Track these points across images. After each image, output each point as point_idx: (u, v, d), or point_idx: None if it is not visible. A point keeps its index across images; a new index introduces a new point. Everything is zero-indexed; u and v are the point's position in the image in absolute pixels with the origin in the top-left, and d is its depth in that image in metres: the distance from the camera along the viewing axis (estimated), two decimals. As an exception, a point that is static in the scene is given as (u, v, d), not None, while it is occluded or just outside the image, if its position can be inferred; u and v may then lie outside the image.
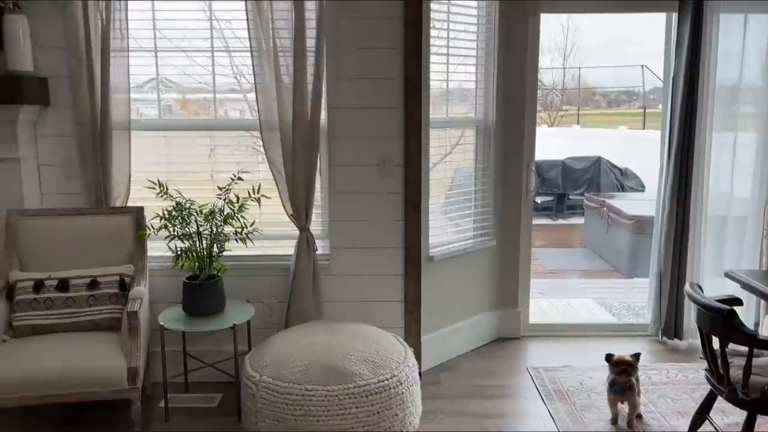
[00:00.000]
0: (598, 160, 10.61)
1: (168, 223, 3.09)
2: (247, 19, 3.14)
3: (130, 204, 3.32)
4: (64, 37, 3.19)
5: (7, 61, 3.06)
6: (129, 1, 3.15)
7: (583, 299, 5.15)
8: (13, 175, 3.18)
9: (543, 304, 4.88)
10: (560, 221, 10.39)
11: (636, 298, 5.08)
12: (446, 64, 3.61)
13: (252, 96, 3.27)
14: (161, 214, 3.09)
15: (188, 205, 3.11)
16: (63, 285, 2.96)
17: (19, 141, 3.16)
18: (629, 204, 7.80)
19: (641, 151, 10.28)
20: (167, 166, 3.45)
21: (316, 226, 3.42)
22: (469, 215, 3.89)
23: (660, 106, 4.20)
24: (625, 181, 10.56)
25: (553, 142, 12.28)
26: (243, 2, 3.13)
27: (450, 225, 3.84)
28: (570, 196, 10.50)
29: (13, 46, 3.05)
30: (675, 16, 3.73)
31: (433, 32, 3.37)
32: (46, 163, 3.33)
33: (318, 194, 3.39)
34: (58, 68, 3.23)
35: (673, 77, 3.75)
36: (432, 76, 3.41)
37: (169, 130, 3.46)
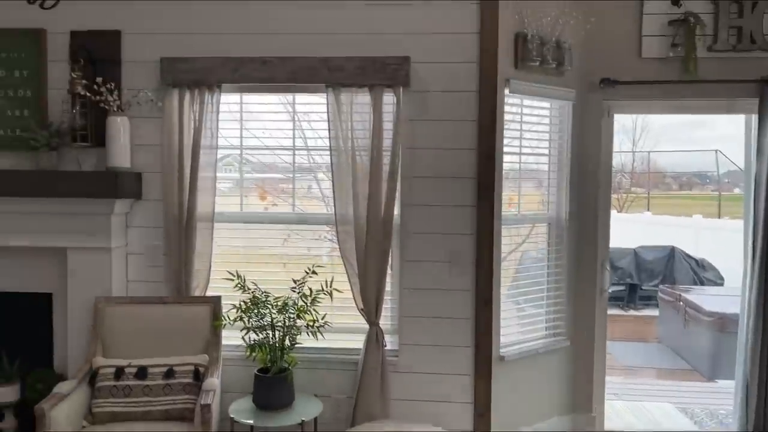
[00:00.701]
0: (672, 251, 10.24)
1: (244, 315, 3.17)
2: (328, 120, 3.30)
3: (208, 293, 3.44)
4: (159, 136, 3.44)
5: (108, 158, 3.32)
6: (221, 104, 3.38)
7: (661, 403, 4.86)
8: (104, 264, 3.37)
9: (618, 406, 4.63)
10: (632, 312, 9.98)
11: (719, 403, 4.76)
12: (519, 163, 3.66)
13: (326, 190, 3.40)
14: (238, 305, 3.18)
15: (264, 298, 3.19)
16: (141, 373, 3.06)
17: (112, 232, 3.36)
18: (708, 299, 7.42)
19: (719, 241, 9.84)
20: (245, 257, 3.58)
21: (385, 320, 3.43)
22: (540, 313, 3.81)
23: (736, 190, 4.06)
24: (702, 273, 10.10)
25: (623, 229, 11.97)
26: (323, 95, 3.31)
27: (521, 323, 3.76)
28: (642, 287, 10.11)
29: (114, 144, 3.31)
30: (755, 117, 3.67)
31: (506, 132, 3.44)
32: (133, 252, 3.52)
33: (388, 289, 3.41)
34: (152, 164, 3.46)
35: (755, 181, 3.64)
36: (504, 174, 3.45)
37: (248, 222, 3.60)
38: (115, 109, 3.29)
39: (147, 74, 3.42)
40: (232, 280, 3.26)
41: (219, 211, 3.46)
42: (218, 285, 3.45)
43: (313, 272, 3.26)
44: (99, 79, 3.27)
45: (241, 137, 3.55)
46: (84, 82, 3.29)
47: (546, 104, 3.76)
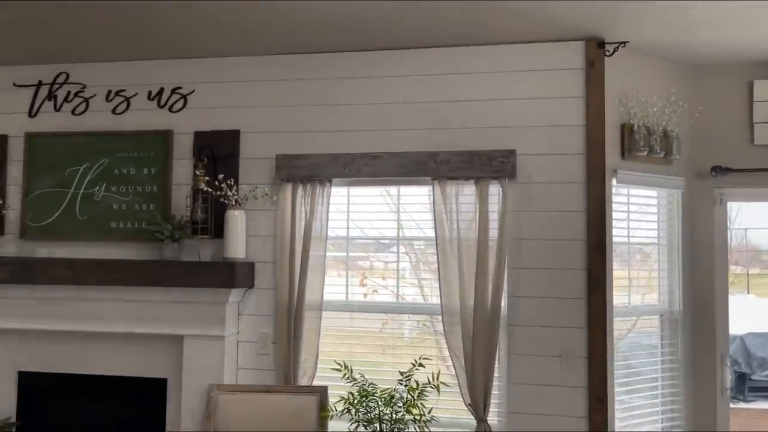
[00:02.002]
0: (785, 337, 9.48)
1: (351, 407, 3.17)
2: (434, 212, 3.36)
3: (314, 382, 3.47)
4: (271, 227, 3.60)
5: (226, 249, 3.50)
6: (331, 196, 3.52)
7: None
8: (218, 352, 3.49)
9: None
10: (741, 405, 9.20)
11: None
12: (627, 253, 3.57)
13: (425, 280, 3.43)
14: (346, 397, 3.19)
15: (372, 390, 3.18)
16: (252, 464, 3.08)
17: (226, 320, 3.49)
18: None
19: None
20: (350, 346, 3.62)
21: (493, 416, 3.33)
22: (655, 411, 3.59)
23: None
24: (821, 362, 9.25)
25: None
26: (428, 187, 3.40)
27: (635, 422, 3.54)
28: (753, 377, 9.35)
29: (231, 236, 3.49)
30: None
31: (613, 222, 3.39)
32: (244, 340, 3.63)
33: (496, 383, 3.33)
34: (264, 254, 3.62)
35: None
36: (614, 264, 3.36)
37: (354, 311, 3.65)
38: (234, 203, 3.50)
39: (262, 169, 3.63)
40: (340, 370, 3.28)
41: (326, 299, 3.54)
42: (323, 374, 3.48)
43: (420, 365, 3.23)
44: (220, 176, 3.50)
45: (348, 228, 3.67)
46: (207, 178, 3.52)
47: (653, 193, 3.69)
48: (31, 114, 3.93)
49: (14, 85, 3.94)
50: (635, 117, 3.40)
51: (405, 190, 3.62)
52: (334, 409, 3.23)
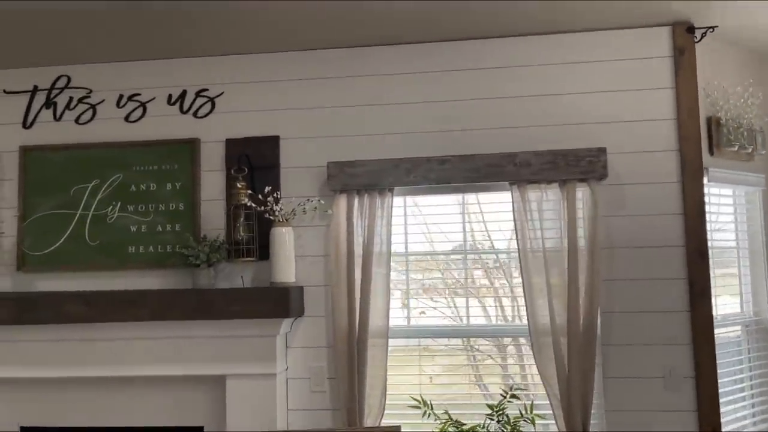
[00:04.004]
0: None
1: (438, 449, 2.74)
2: (514, 220, 2.98)
3: (383, 422, 3.01)
4: (320, 246, 3.15)
5: (273, 272, 3.02)
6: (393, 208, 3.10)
7: None
8: (268, 392, 3.00)
9: None
10: None
11: None
12: (711, 258, 3.26)
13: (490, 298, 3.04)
14: (432, 438, 2.76)
15: (461, 428, 2.76)
16: None
17: (277, 355, 3.01)
18: None
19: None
20: (419, 378, 3.18)
21: (592, 449, 2.95)
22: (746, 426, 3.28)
23: None
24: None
25: None
26: (501, 193, 3.03)
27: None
28: None
29: (279, 257, 3.02)
30: None
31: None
32: (294, 377, 3.14)
33: (593, 410, 2.95)
34: (313, 277, 3.16)
35: None
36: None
37: (420, 337, 3.22)
38: (281, 219, 3.03)
39: (307, 180, 3.19)
40: (419, 406, 2.84)
41: (392, 326, 3.10)
42: (390, 411, 3.04)
43: (513, 395, 2.83)
44: (267, 188, 3.03)
45: (406, 242, 3.25)
46: (249, 191, 3.04)
47: (729, 191, 3.41)
48: (26, 125, 3.36)
49: (4, 92, 3.38)
50: (722, 109, 3.12)
51: (470, 197, 3.23)
52: (411, 452, 2.79)
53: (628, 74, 3.03)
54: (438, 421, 2.82)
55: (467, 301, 3.23)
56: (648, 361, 2.94)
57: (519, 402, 2.86)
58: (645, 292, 2.96)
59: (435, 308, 3.32)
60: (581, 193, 2.95)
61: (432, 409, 2.85)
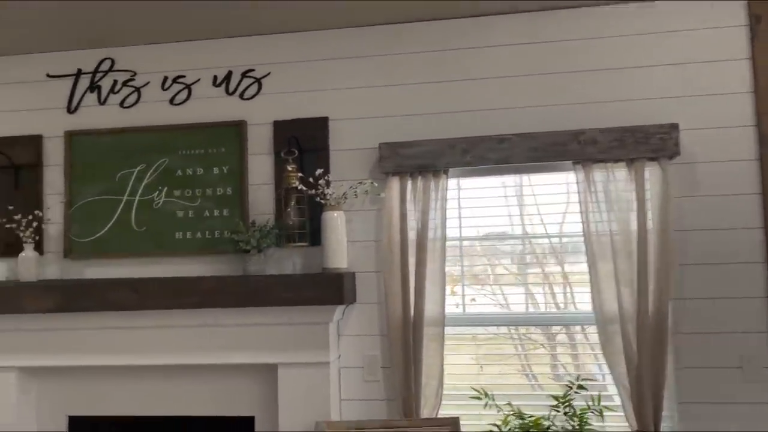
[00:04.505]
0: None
1: (502, 442, 2.61)
2: (579, 202, 2.83)
3: (439, 413, 2.89)
4: (372, 230, 3.04)
5: (325, 258, 2.91)
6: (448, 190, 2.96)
7: None
8: (321, 381, 2.90)
9: None
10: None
11: None
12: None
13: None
14: (495, 431, 2.62)
15: (527, 419, 2.62)
16: None
17: (330, 343, 2.91)
18: None
19: None
20: (469, 367, 3.05)
21: (663, 442, 2.79)
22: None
23: None
24: None
25: None
26: (561, 174, 2.89)
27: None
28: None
29: (331, 242, 2.91)
30: None
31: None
32: (346, 366, 3.04)
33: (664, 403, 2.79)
34: (364, 262, 3.04)
35: None
36: None
37: (476, 325, 3.09)
38: (332, 203, 2.91)
39: (357, 162, 3.06)
40: (479, 397, 2.71)
41: (448, 313, 2.97)
42: (446, 402, 2.92)
43: (580, 386, 2.69)
44: (318, 171, 2.91)
45: (460, 227, 3.11)
46: (300, 174, 2.93)
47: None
48: (71, 109, 3.29)
49: (48, 76, 3.31)
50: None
51: (519, 179, 3.08)
52: (471, 444, 2.66)
53: (701, 45, 2.84)
54: (500, 413, 2.69)
55: (527, 288, 3.08)
56: (724, 351, 2.77)
57: (586, 393, 2.71)
58: (720, 277, 2.78)
59: (486, 295, 3.19)
60: (651, 172, 2.78)
61: (493, 399, 2.71)
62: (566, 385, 2.72)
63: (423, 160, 2.92)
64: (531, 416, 2.66)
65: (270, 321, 2.90)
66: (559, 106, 2.91)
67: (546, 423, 2.64)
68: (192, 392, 3.07)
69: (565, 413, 2.64)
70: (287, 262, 3.06)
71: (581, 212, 2.82)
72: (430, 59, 3.04)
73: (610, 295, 2.77)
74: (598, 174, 2.81)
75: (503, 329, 3.11)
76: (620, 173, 2.81)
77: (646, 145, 2.75)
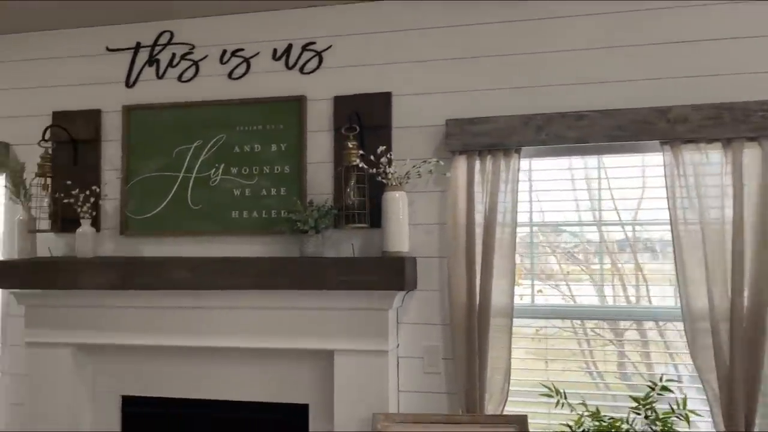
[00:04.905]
0: None
1: (575, 444, 2.40)
2: (666, 186, 2.57)
3: (505, 409, 2.71)
4: (434, 213, 2.86)
5: (385, 241, 2.75)
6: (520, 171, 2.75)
7: None
8: (380, 371, 2.75)
9: None
10: None
11: None
12: None
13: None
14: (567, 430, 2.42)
15: (605, 421, 2.40)
16: None
17: (389, 331, 2.75)
18: None
19: None
20: (538, 363, 2.85)
21: (756, 453, 2.52)
22: None
23: None
24: None
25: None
26: (642, 156, 2.65)
27: None
28: None
29: (392, 224, 2.75)
30: None
31: None
32: (405, 356, 2.88)
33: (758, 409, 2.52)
34: (427, 247, 2.87)
35: None
36: None
37: (544, 318, 2.88)
38: (394, 183, 2.74)
39: (421, 140, 2.89)
40: (551, 395, 2.51)
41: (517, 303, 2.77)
42: (513, 399, 2.73)
43: (664, 388, 2.45)
44: (380, 148, 2.75)
45: (531, 211, 2.89)
46: (361, 152, 2.78)
47: None
48: (129, 83, 3.23)
49: (107, 49, 3.26)
50: None
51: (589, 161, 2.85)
52: (541, 445, 2.46)
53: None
54: (573, 412, 2.48)
55: (599, 280, 2.85)
56: (828, 355, 2.47)
57: (671, 395, 2.47)
58: (827, 272, 2.48)
59: (554, 286, 2.98)
60: (750, 154, 2.50)
61: (565, 398, 2.51)
62: (647, 385, 2.48)
63: (493, 138, 2.72)
64: (611, 418, 2.43)
65: (327, 305, 2.77)
66: (644, 80, 2.65)
67: (625, 426, 2.41)
68: (245, 376, 2.97)
69: (647, 416, 2.41)
70: (345, 244, 2.92)
71: (668, 198, 2.57)
72: (502, 30, 2.83)
73: (699, 291, 2.51)
74: (689, 155, 2.55)
75: (567, 323, 2.90)
76: (714, 155, 2.54)
77: (745, 123, 2.48)
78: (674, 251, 2.55)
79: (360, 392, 2.74)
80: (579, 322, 2.91)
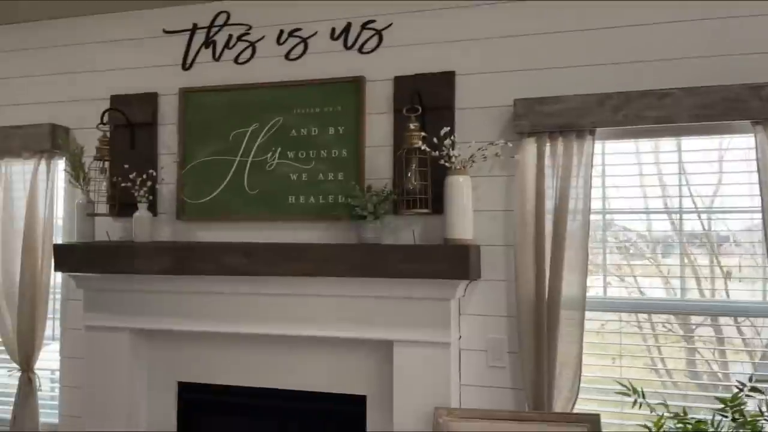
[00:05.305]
0: None
1: (655, 448, 2.22)
2: (758, 170, 2.36)
3: (575, 408, 2.55)
4: (499, 199, 2.72)
5: (448, 227, 2.62)
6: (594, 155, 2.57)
7: None
8: (441, 363, 2.63)
9: None
10: None
11: None
12: None
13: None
14: (647, 432, 2.24)
15: (691, 423, 2.22)
16: None
17: (451, 321, 2.63)
18: None
19: None
20: (605, 359, 2.67)
21: None
22: None
23: None
24: None
25: None
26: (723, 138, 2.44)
27: None
28: None
29: (456, 210, 2.61)
30: None
31: None
32: (467, 348, 2.75)
33: None
34: (491, 234, 2.73)
35: None
36: None
37: (617, 311, 2.70)
38: (458, 166, 2.61)
39: (487, 122, 2.75)
40: (627, 393, 2.34)
41: (590, 296, 2.60)
42: (584, 397, 2.57)
43: (754, 389, 2.25)
44: (445, 129, 2.62)
45: (604, 197, 2.71)
46: (423, 134, 2.65)
47: None
48: (186, 66, 3.18)
49: (164, 32, 3.21)
50: None
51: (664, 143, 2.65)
52: (616, 447, 2.30)
53: None
54: (653, 413, 2.30)
55: (681, 270, 2.65)
56: None
57: (762, 397, 2.27)
58: None
59: (626, 277, 2.80)
60: None
61: (643, 396, 2.33)
62: (735, 386, 2.29)
63: (565, 119, 2.55)
64: (697, 420, 2.25)
65: (387, 294, 2.66)
66: (735, 55, 2.43)
67: (711, 429, 2.23)
68: (300, 366, 2.90)
69: (734, 419, 2.21)
70: (403, 231, 2.80)
71: (760, 183, 2.35)
72: (576, 3, 2.64)
73: (794, 283, 2.30)
74: (785, 136, 2.33)
75: (632, 317, 2.71)
76: (813, 136, 2.31)
77: None
78: (766, 241, 2.34)
79: (420, 385, 2.63)
80: (645, 316, 2.72)
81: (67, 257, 3.01)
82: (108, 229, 3.17)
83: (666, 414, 2.29)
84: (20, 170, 3.33)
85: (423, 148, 2.62)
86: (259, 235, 2.99)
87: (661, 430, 2.26)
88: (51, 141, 3.23)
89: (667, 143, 2.63)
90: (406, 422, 2.64)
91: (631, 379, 2.49)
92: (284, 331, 2.82)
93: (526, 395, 2.58)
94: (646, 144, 2.67)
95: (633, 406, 2.33)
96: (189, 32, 3.17)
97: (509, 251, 2.69)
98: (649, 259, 2.74)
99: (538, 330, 2.55)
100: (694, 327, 2.70)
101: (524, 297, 2.58)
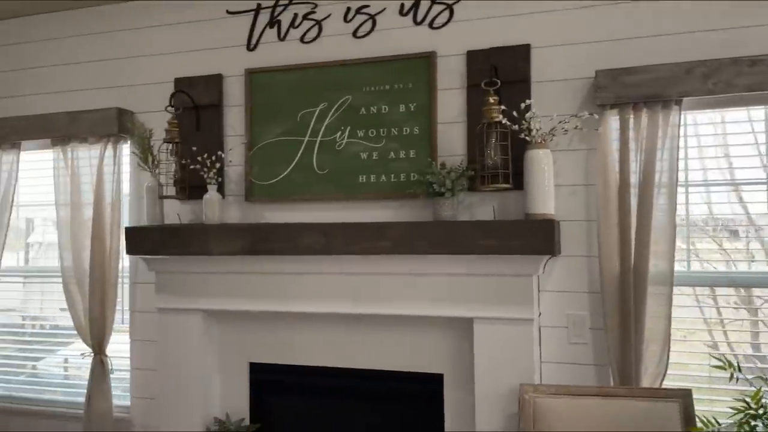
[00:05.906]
0: None
1: (755, 419, 2.17)
2: None
3: (665, 383, 2.51)
4: (579, 172, 2.67)
5: (529, 202, 2.57)
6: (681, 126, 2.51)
7: None
8: (524, 340, 2.60)
9: None
10: None
11: None
12: None
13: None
14: (743, 407, 2.19)
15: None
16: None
17: (534, 298, 2.59)
18: None
19: None
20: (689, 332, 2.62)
21: None
22: None
23: None
24: None
25: None
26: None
27: None
28: None
29: (537, 185, 2.56)
30: None
31: None
32: (547, 325, 2.72)
33: None
34: (572, 209, 2.68)
35: None
36: None
37: (701, 285, 2.65)
38: (539, 140, 2.56)
39: (565, 95, 2.69)
40: (723, 367, 2.28)
41: (679, 270, 2.55)
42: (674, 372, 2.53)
43: None
44: (527, 101, 2.57)
45: (687, 169, 2.65)
46: (503, 107, 2.60)
47: None
48: (250, 47, 3.16)
49: (228, 12, 3.19)
50: None
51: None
52: (709, 423, 2.25)
53: None
54: (752, 387, 2.25)
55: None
56: None
57: None
58: None
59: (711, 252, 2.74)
60: None
61: (740, 370, 2.28)
62: (838, 360, 2.23)
63: (651, 89, 2.48)
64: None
65: (467, 271, 2.63)
66: (834, 17, 2.35)
67: (811, 403, 2.17)
68: (376, 345, 2.89)
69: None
70: (479, 207, 2.77)
71: None
72: (658, -30, 2.57)
73: None
74: None
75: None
76: None
77: None
78: None
79: (502, 362, 2.61)
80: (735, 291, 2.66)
81: (139, 240, 3.03)
82: (177, 211, 3.17)
83: (765, 388, 2.23)
84: (86, 155, 3.34)
85: (504, 121, 2.57)
86: (329, 215, 2.97)
87: (760, 404, 2.20)
88: (118, 125, 3.24)
89: (758, 112, 2.56)
90: (488, 400, 2.62)
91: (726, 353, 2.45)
92: (360, 310, 2.81)
93: (612, 371, 2.54)
94: (736, 113, 2.59)
95: (730, 381, 2.28)
96: (253, 13, 3.14)
97: (589, 226, 2.64)
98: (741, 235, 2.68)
99: (624, 306, 2.51)
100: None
101: (608, 273, 2.54)
